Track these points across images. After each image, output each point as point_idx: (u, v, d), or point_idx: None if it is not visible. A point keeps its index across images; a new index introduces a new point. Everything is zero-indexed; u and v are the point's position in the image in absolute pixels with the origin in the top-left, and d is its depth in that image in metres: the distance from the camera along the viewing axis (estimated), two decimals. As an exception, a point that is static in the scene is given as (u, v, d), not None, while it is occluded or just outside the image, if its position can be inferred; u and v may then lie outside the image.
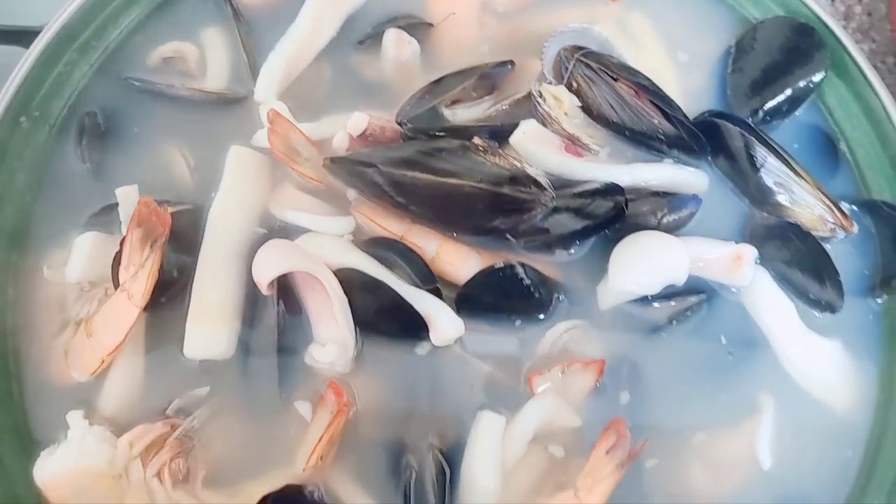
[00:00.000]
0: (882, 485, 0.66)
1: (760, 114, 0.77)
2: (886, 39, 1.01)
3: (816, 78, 0.77)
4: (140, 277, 0.62)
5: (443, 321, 0.66)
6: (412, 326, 0.66)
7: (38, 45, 0.72)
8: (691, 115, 0.74)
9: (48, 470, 0.61)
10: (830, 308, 0.69)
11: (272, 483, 0.63)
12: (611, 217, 0.68)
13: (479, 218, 0.67)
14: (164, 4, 0.80)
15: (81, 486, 0.60)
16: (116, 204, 0.69)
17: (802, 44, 0.78)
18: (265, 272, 0.63)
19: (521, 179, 0.67)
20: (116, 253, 0.66)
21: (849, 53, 0.77)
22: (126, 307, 0.63)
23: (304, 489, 0.62)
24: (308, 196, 0.73)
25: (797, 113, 0.78)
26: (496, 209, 0.67)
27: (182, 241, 0.69)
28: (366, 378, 0.67)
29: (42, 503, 0.62)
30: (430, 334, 0.66)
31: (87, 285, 0.68)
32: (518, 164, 0.68)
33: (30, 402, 0.66)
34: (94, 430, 0.62)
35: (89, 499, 0.60)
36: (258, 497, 0.60)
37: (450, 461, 0.64)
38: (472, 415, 0.66)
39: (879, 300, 0.72)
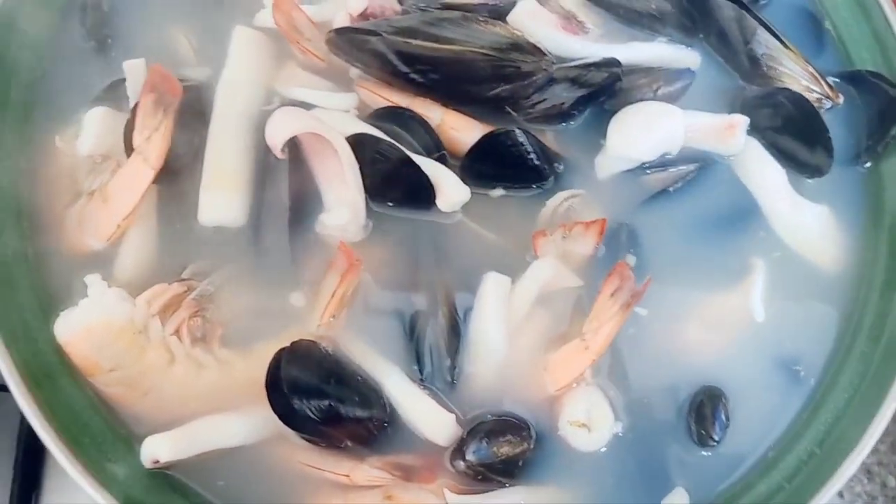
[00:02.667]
0: (864, 333, 0.70)
1: (749, -8, 0.79)
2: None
3: (803, -43, 0.79)
4: (154, 140, 0.64)
5: (450, 186, 0.68)
6: (420, 192, 0.67)
7: (38, -77, 0.73)
8: None
9: (69, 326, 0.62)
10: (819, 171, 0.72)
11: (286, 341, 0.64)
12: (607, 84, 0.71)
13: (481, 84, 0.69)
14: None
15: (102, 342, 0.62)
16: (123, 80, 0.70)
17: (789, -75, 0.80)
18: (279, 133, 0.64)
19: (522, 46, 0.69)
20: (128, 120, 0.67)
21: (834, -68, 0.79)
22: (141, 169, 0.64)
23: (317, 343, 0.64)
24: (311, 75, 0.74)
25: (784, -6, 0.81)
26: (498, 75, 0.69)
27: (189, 117, 0.70)
28: (375, 246, 0.69)
29: (63, 360, 0.63)
30: (437, 200, 0.68)
31: (99, 158, 0.69)
32: (518, 33, 0.69)
33: (46, 270, 0.67)
34: (112, 289, 0.63)
35: (110, 354, 0.62)
36: (273, 353, 0.62)
37: (459, 322, 0.67)
38: (478, 280, 0.68)
39: (865, 166, 0.75)
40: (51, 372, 0.63)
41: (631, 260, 0.70)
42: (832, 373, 0.69)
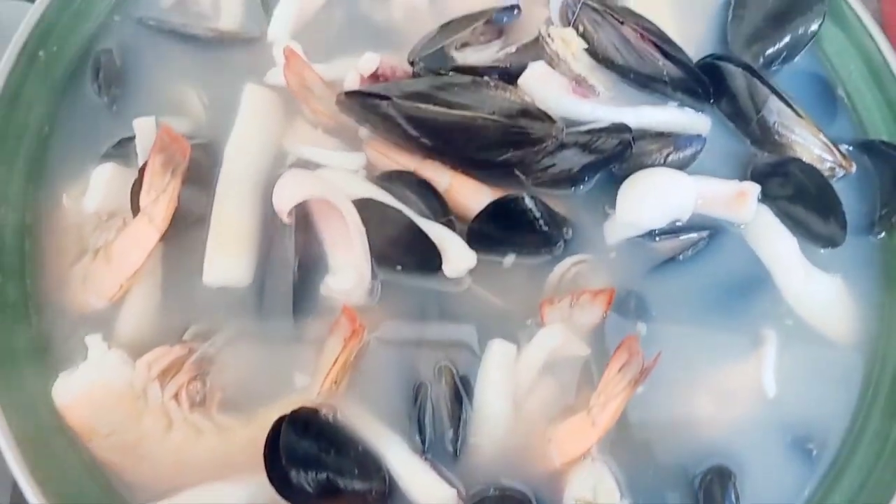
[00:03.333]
0: (880, 410, 0.68)
1: (761, 59, 0.79)
2: (874, 11, 1.03)
3: (814, 26, 0.79)
4: (161, 201, 0.64)
5: (456, 252, 0.67)
6: (426, 258, 0.67)
7: (57, -18, 0.74)
8: (693, 61, 0.76)
9: (68, 390, 0.61)
10: (832, 242, 0.71)
11: (287, 408, 0.63)
12: (617, 152, 0.70)
13: (490, 150, 0.69)
14: (178, -54, 0.81)
15: (100, 407, 0.61)
16: (133, 137, 0.71)
17: (800, -7, 0.80)
18: (286, 199, 0.64)
19: (531, 112, 0.69)
20: (136, 180, 0.67)
21: (846, 2, 0.79)
22: (146, 230, 0.64)
23: (318, 411, 0.63)
24: (321, 133, 0.74)
25: (796, 60, 0.80)
26: (507, 141, 0.68)
27: (197, 174, 0.70)
28: (379, 309, 0.69)
29: (60, 423, 0.62)
30: (444, 266, 0.67)
31: (105, 215, 0.69)
32: (528, 99, 0.69)
33: (48, 328, 0.67)
34: (113, 352, 0.63)
35: (108, 419, 0.61)
36: (273, 421, 0.61)
37: (462, 389, 0.66)
38: (483, 346, 0.67)
39: (878, 237, 0.74)
40: (46, 435, 0.62)
41: (641, 328, 0.69)
42: (846, 452, 0.67)
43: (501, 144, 0.68)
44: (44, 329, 0.67)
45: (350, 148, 0.73)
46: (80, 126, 0.73)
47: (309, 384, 0.64)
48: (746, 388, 0.69)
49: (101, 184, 0.69)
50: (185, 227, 0.69)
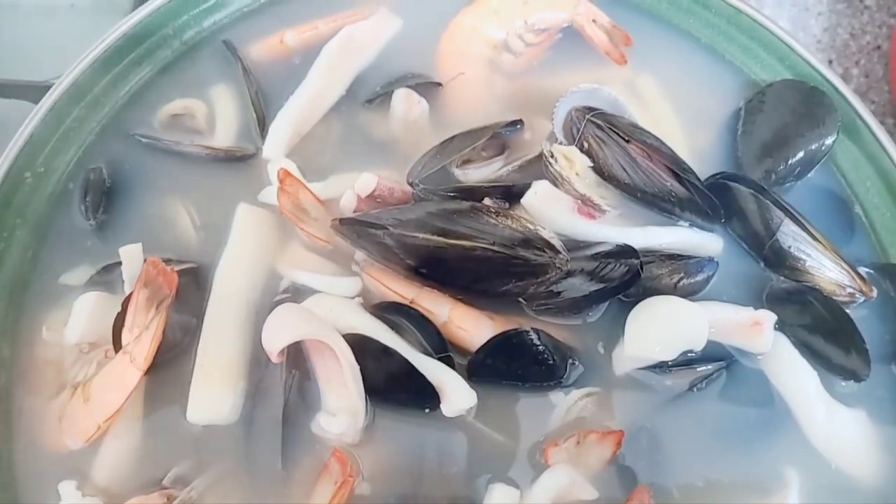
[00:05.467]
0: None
1: (773, 176, 0.76)
2: (885, 101, 1.02)
3: (829, 141, 0.76)
4: (144, 340, 0.60)
5: (455, 392, 0.64)
6: (423, 396, 0.63)
7: (48, 100, 0.72)
8: (701, 176, 0.74)
9: (37, 545, 0.57)
10: (855, 377, 0.67)
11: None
12: (626, 281, 0.67)
13: (491, 281, 0.66)
14: (175, 62, 0.80)
15: (71, 563, 0.57)
16: (119, 263, 0.68)
17: (813, 107, 0.78)
18: (276, 340, 0.61)
19: (534, 242, 0.66)
20: (119, 313, 0.64)
21: (860, 116, 0.77)
22: (127, 370, 0.60)
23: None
24: (315, 256, 0.71)
25: (810, 175, 0.78)
26: (509, 272, 0.65)
27: (185, 300, 0.67)
28: (373, 448, 0.65)
29: (29, 581, 0.58)
30: (442, 405, 0.63)
31: (87, 346, 0.66)
32: (531, 227, 0.66)
33: (20, 469, 0.63)
34: (86, 501, 0.59)
35: (79, 577, 0.57)
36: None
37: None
38: (483, 486, 0.64)
39: (902, 367, 0.70)
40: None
41: (643, 468, 0.65)
42: None
43: (502, 275, 0.65)
44: (16, 470, 0.63)
45: (346, 272, 0.70)
46: (64, 251, 0.70)
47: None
48: (767, 534, 0.64)
49: (84, 314, 0.66)
50: (170, 358, 0.65)
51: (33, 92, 0.83)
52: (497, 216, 0.67)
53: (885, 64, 1.04)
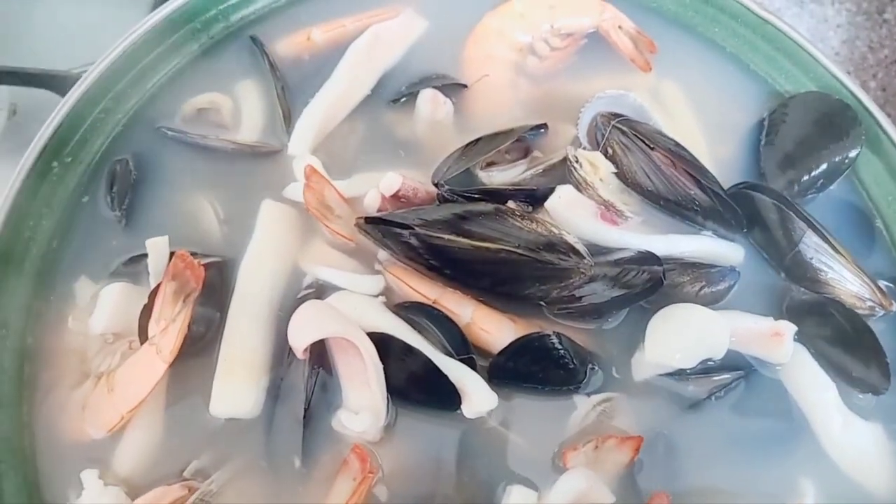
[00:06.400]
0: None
1: (795, 187, 0.76)
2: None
3: (852, 154, 0.77)
4: (170, 332, 0.61)
5: (476, 393, 0.64)
6: (444, 397, 0.64)
7: (76, 91, 0.72)
8: (724, 185, 0.74)
9: (58, 533, 0.57)
10: (874, 390, 0.68)
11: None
12: (648, 288, 0.67)
13: (514, 284, 0.66)
14: (203, 56, 0.80)
15: (93, 552, 0.57)
16: (145, 254, 0.68)
17: (837, 119, 0.78)
18: (302, 337, 0.61)
19: (559, 246, 0.66)
20: (145, 305, 0.64)
21: (884, 130, 0.77)
22: (153, 362, 0.61)
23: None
24: (338, 253, 0.72)
25: (832, 188, 0.78)
26: (533, 276, 0.66)
27: (209, 294, 0.67)
28: (393, 446, 0.65)
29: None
30: (463, 406, 0.64)
31: (111, 337, 0.66)
32: (555, 231, 0.67)
33: (42, 458, 0.63)
34: (108, 490, 0.59)
35: (100, 566, 0.57)
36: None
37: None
38: (502, 488, 0.64)
39: (920, 382, 0.70)
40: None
41: (660, 475, 0.66)
42: None
43: (526, 279, 0.66)
44: (38, 459, 0.63)
45: (369, 271, 0.71)
46: (90, 241, 0.71)
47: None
48: (782, 544, 0.65)
49: (109, 304, 0.66)
50: (194, 351, 0.66)
51: (61, 82, 0.83)
52: (522, 219, 0.67)
53: (903, 77, 1.04)
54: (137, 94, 0.77)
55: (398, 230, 0.66)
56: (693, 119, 0.82)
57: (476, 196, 0.71)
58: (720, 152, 0.80)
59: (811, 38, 1.05)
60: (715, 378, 0.69)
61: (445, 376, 0.63)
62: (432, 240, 0.65)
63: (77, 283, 0.69)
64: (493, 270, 0.66)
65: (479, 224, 0.66)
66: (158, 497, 0.60)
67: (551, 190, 0.72)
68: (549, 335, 0.65)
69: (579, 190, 0.73)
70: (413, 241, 0.65)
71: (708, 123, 0.82)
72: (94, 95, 0.74)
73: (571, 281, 0.65)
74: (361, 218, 0.68)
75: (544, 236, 0.66)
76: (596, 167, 0.73)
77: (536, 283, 0.66)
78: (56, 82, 0.85)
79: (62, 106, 0.71)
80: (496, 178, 0.75)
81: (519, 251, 0.65)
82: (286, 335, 0.65)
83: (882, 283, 0.72)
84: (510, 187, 0.73)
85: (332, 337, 0.63)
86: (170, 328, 0.61)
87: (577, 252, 0.66)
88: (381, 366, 0.62)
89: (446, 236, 0.65)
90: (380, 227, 0.67)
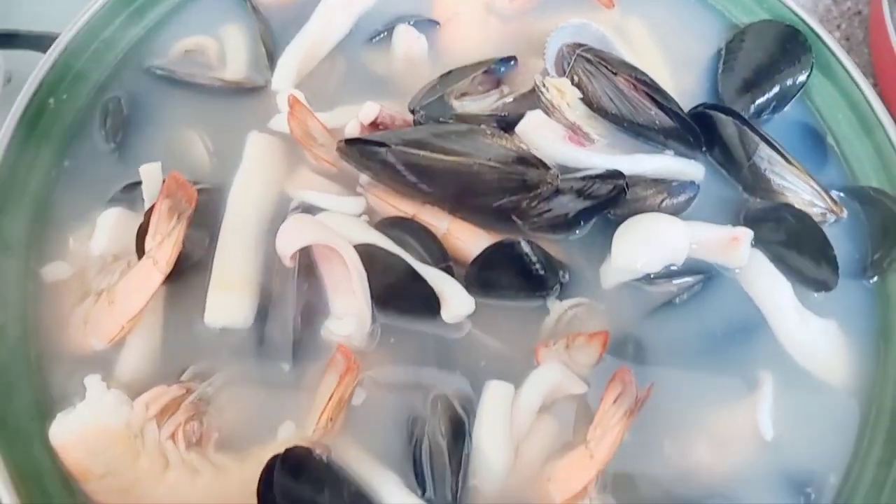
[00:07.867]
0: (876, 455, 0.68)
1: (751, 109, 0.81)
2: (865, 62, 1.06)
3: (802, 77, 0.82)
4: (166, 245, 0.65)
5: (455, 298, 0.68)
6: (425, 303, 0.68)
7: (69, 34, 0.76)
8: (686, 110, 0.78)
9: (65, 430, 0.61)
10: (825, 286, 0.72)
11: (283, 447, 0.63)
12: (612, 197, 0.71)
13: (487, 196, 0.70)
14: (186, 3, 0.84)
15: (97, 447, 0.61)
16: (139, 183, 0.72)
17: (789, 45, 0.83)
18: (289, 243, 0.65)
19: (527, 159, 0.70)
20: (141, 224, 0.68)
21: (833, 53, 0.82)
22: (151, 272, 0.65)
23: (312, 451, 0.63)
24: (322, 178, 0.76)
25: (786, 110, 0.83)
26: (504, 187, 0.70)
27: (201, 218, 0.71)
28: (377, 352, 0.69)
29: (58, 465, 0.62)
30: (442, 311, 0.68)
31: (110, 258, 0.70)
32: (524, 146, 0.71)
33: (47, 370, 0.67)
34: (111, 391, 0.63)
35: (104, 459, 0.61)
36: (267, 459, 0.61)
37: (461, 430, 0.66)
38: (480, 387, 0.67)
39: (871, 281, 0.75)
40: (40, 476, 0.62)
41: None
42: (844, 497, 0.67)
43: (498, 190, 0.70)
44: (43, 370, 0.67)
45: (351, 193, 0.75)
46: (87, 171, 0.75)
47: (304, 423, 0.64)
48: (743, 433, 0.69)
49: (107, 228, 0.70)
50: (188, 269, 0.70)
51: (51, 43, 0.87)
52: (493, 137, 0.71)
53: (866, 28, 1.08)
54: (126, 39, 0.82)
55: (376, 148, 0.70)
56: (657, 53, 0.87)
57: (450, 121, 0.75)
58: (682, 84, 0.85)
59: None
60: (677, 282, 0.73)
61: (425, 282, 0.67)
62: (409, 156, 0.70)
63: (76, 210, 0.73)
64: (467, 183, 0.70)
65: (453, 142, 0.71)
66: (157, 395, 0.63)
67: (521, 115, 0.76)
68: (518, 241, 0.69)
69: (548, 114, 0.77)
70: (390, 157, 0.70)
71: (670, 57, 0.87)
72: (85, 39, 0.78)
73: (539, 191, 0.70)
74: (342, 141, 0.72)
75: (514, 151, 0.71)
76: (563, 92, 0.78)
77: (507, 194, 0.70)
78: (47, 43, 0.88)
79: (56, 45, 0.75)
80: (468, 107, 0.79)
81: (490, 164, 0.69)
82: (275, 254, 0.69)
83: (834, 193, 0.77)
84: (483, 114, 0.77)
85: (317, 245, 0.67)
86: (165, 241, 0.65)
87: (544, 165, 0.70)
88: (364, 273, 0.66)
89: (422, 153, 0.70)
90: (359, 146, 0.71)
